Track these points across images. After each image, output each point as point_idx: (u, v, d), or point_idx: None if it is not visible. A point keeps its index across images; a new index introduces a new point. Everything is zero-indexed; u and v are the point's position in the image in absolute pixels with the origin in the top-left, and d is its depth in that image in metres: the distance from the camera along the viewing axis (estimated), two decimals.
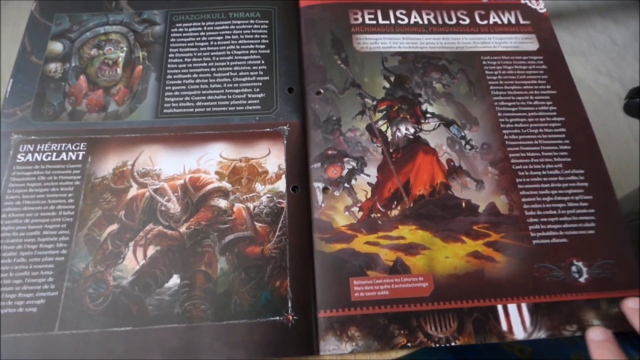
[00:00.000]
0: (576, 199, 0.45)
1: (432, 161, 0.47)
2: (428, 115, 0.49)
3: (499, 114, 0.49)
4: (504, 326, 0.39)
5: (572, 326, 0.40)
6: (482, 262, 0.42)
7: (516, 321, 0.40)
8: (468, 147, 0.48)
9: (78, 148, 0.45)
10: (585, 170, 0.47)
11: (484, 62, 0.53)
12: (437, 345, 0.38)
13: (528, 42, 0.55)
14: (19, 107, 0.47)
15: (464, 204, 0.44)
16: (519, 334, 0.39)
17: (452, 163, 0.47)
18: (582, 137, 0.49)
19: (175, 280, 0.40)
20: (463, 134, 0.48)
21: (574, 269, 0.42)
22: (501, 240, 0.43)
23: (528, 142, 0.48)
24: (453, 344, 0.38)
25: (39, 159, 0.45)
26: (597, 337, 0.37)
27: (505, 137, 0.48)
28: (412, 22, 0.55)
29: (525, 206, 0.45)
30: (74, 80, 0.50)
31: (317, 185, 0.45)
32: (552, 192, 0.45)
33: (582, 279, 0.42)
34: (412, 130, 0.49)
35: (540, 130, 0.49)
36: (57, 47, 0.51)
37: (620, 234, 0.44)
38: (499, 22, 0.56)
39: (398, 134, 0.48)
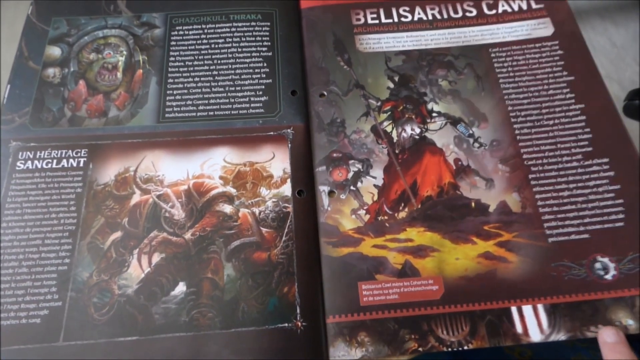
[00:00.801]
0: (600, 190, 0.43)
1: (439, 161, 0.46)
2: (434, 114, 0.49)
3: (510, 108, 0.48)
4: (519, 328, 0.38)
5: (597, 327, 0.38)
6: (494, 263, 0.40)
7: (532, 323, 0.38)
8: (476, 145, 0.46)
9: (79, 154, 0.45)
10: (611, 158, 0.44)
11: (493, 55, 0.51)
12: (450, 349, 0.37)
13: (542, 28, 0.52)
14: (18, 114, 0.47)
15: (473, 204, 0.44)
16: (535, 336, 0.38)
17: (459, 162, 0.46)
18: (606, 122, 0.46)
19: (181, 288, 0.39)
20: (471, 132, 0.47)
21: (597, 265, 0.40)
22: (514, 239, 0.41)
23: (542, 135, 0.46)
24: (466, 347, 0.37)
25: (39, 166, 0.44)
26: (610, 339, 0.36)
27: (517, 131, 0.46)
28: (415, 18, 0.54)
29: (539, 203, 0.43)
30: (73, 86, 0.49)
31: (323, 189, 0.44)
32: (570, 186, 0.43)
33: (608, 276, 0.40)
34: (417, 131, 0.48)
35: (556, 121, 0.46)
36: (55, 51, 0.51)
37: None
38: (509, 9, 0.54)
39: (404, 134, 0.47)
